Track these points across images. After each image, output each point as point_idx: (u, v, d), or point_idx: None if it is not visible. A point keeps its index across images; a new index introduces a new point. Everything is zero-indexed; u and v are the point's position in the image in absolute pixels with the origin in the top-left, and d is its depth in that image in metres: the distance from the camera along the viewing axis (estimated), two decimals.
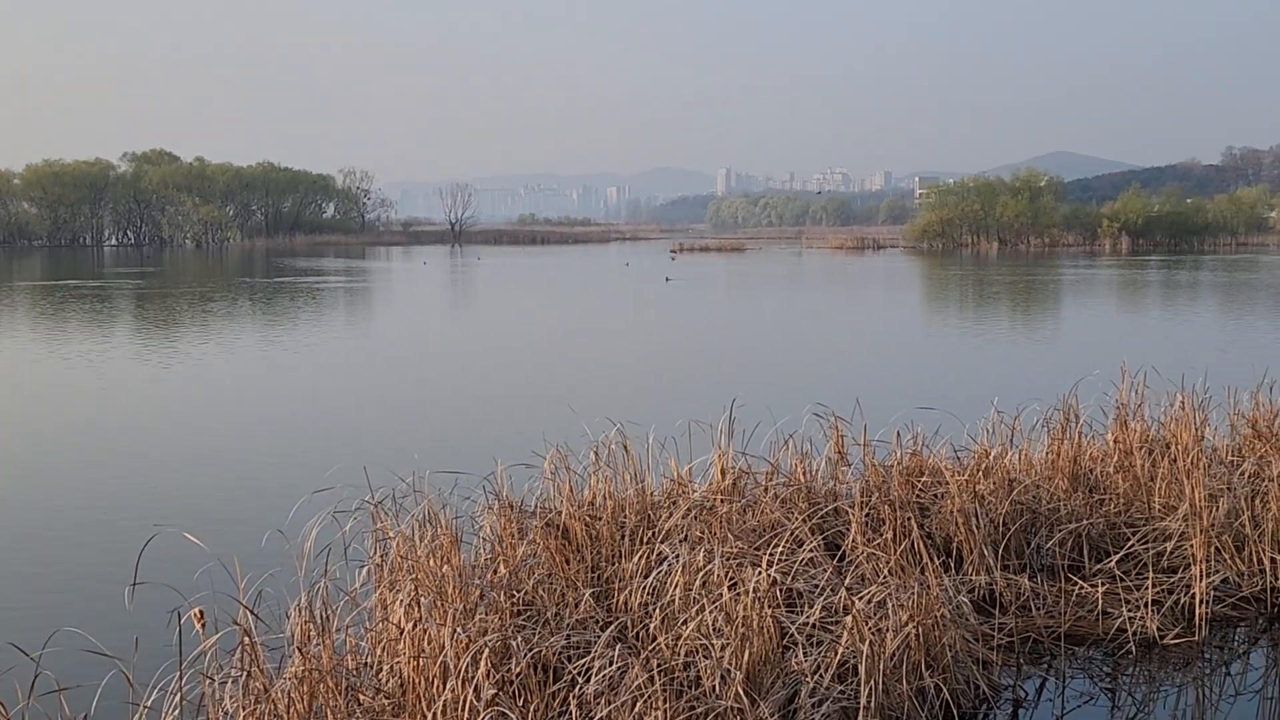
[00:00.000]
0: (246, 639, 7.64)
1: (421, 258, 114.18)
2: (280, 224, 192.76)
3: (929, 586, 9.04)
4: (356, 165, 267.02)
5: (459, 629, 7.91)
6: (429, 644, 7.97)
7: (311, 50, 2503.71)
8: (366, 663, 8.59)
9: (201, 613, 7.71)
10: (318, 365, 32.40)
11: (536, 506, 10.96)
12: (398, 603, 8.69)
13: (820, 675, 8.28)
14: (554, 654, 8.28)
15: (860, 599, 8.77)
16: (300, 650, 8.02)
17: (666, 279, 74.98)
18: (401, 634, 8.28)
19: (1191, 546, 10.72)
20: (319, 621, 8.31)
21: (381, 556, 9.69)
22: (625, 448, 11.72)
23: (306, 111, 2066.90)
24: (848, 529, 10.71)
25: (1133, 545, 11.41)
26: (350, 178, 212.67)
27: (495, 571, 9.85)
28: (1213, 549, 10.99)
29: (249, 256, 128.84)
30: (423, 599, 8.51)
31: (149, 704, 7.15)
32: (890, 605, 8.72)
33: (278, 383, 29.24)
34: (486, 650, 7.69)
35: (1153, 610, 10.36)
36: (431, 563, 9.41)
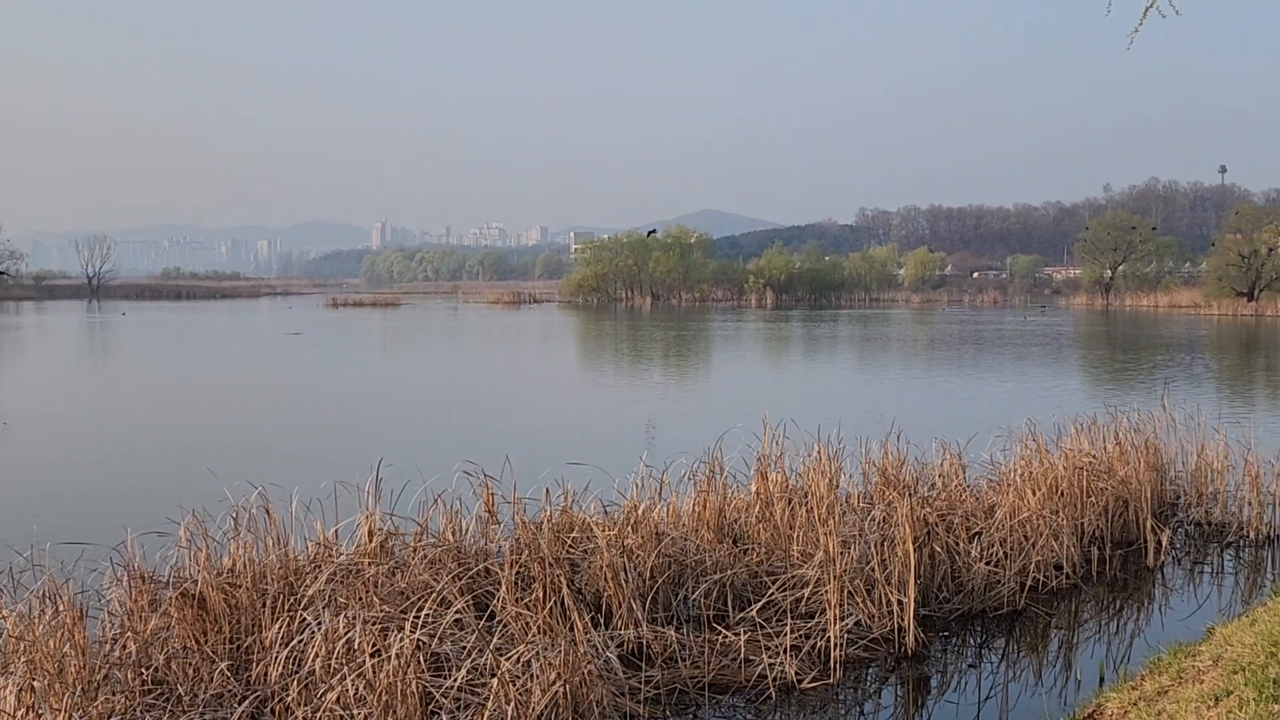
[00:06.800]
0: None
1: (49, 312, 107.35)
2: None
3: (577, 643, 9.07)
4: None
5: (77, 713, 7.38)
6: None
7: None
8: None
9: None
10: None
11: (171, 576, 10.41)
12: (10, 687, 8.04)
13: None
14: None
15: (508, 659, 8.72)
16: None
17: (297, 333, 78.68)
18: None
19: (827, 592, 11.19)
20: None
21: None
22: (268, 511, 11.32)
23: None
24: (498, 588, 10.64)
25: (773, 593, 11.83)
26: None
27: (124, 648, 9.28)
28: (845, 593, 11.52)
29: None
30: (37, 682, 7.91)
31: None
32: (537, 664, 8.70)
33: None
34: None
35: (791, 656, 10.76)
36: (51, 643, 8.76)
